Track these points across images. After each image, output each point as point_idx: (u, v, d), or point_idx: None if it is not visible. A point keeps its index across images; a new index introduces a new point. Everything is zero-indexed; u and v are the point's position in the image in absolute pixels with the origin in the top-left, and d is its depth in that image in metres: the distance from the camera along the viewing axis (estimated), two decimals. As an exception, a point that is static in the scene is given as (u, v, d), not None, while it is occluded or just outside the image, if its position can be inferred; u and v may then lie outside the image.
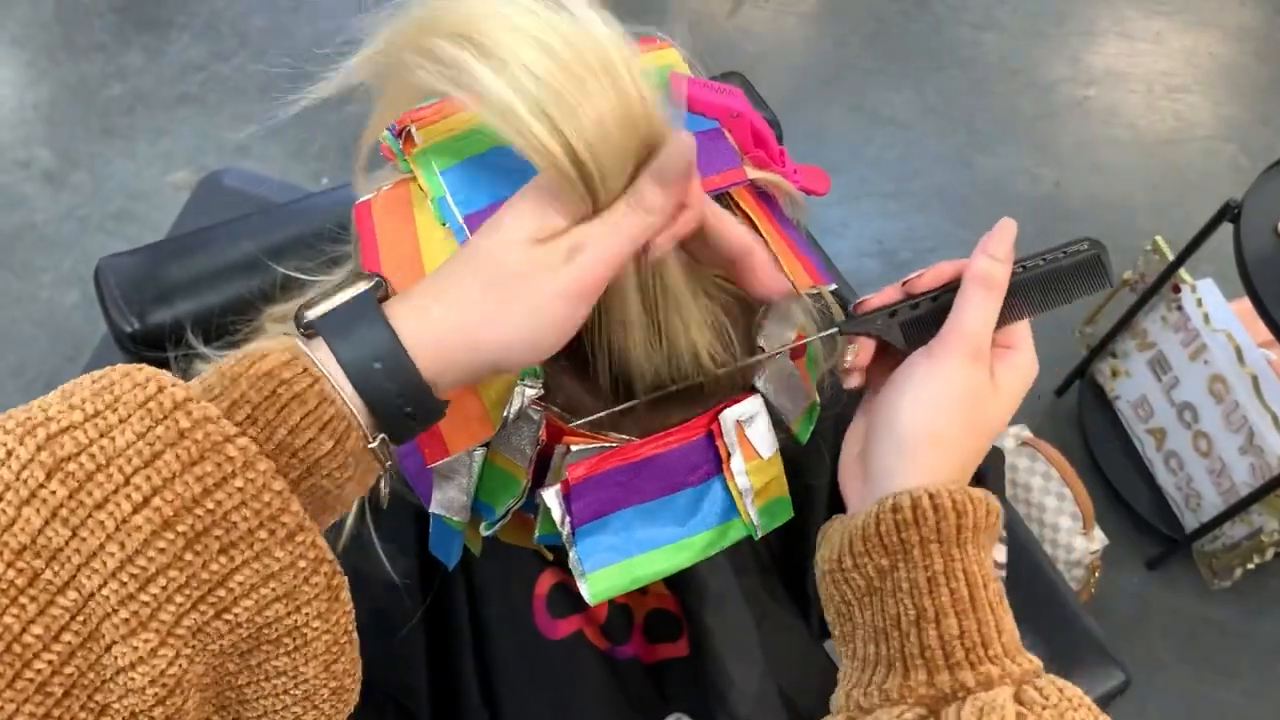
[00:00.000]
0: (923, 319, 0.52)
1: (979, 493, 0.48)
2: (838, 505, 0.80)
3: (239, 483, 0.34)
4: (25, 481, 0.32)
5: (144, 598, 0.33)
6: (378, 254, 0.48)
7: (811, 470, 0.78)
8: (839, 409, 0.74)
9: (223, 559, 0.34)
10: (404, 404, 0.39)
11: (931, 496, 0.46)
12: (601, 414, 0.49)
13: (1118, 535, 1.72)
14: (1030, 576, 0.87)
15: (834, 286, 0.58)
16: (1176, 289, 1.60)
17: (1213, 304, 1.57)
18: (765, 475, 0.56)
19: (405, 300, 0.41)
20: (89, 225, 2.02)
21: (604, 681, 0.71)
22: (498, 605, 0.67)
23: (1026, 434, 1.60)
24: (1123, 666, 0.79)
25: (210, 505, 0.34)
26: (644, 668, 0.73)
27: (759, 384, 0.54)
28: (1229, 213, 1.41)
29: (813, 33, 2.46)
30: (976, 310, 0.50)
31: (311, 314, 0.40)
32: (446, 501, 0.52)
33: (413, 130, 0.49)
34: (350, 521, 0.60)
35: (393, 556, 0.62)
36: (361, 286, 0.41)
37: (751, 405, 0.54)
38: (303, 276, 0.65)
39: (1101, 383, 1.82)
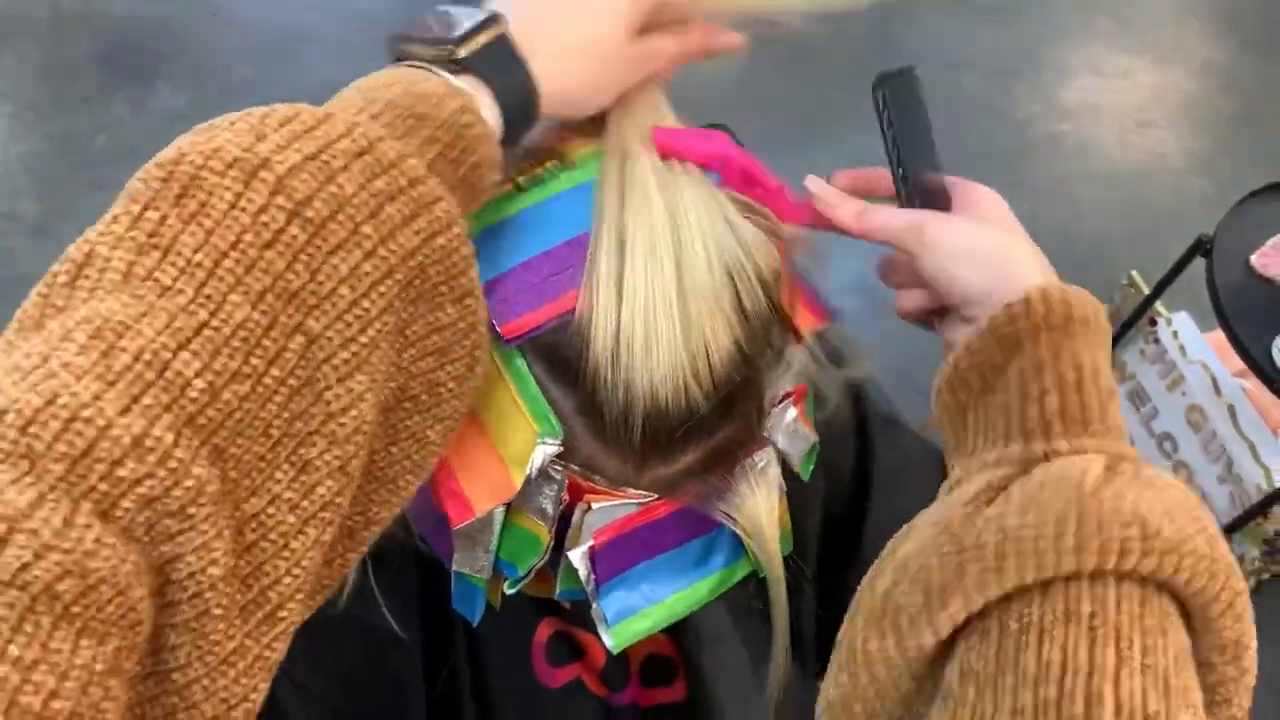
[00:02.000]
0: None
1: (1081, 290, 0.48)
2: (828, 545, 0.82)
3: (442, 240, 0.37)
4: (265, 224, 0.33)
5: (363, 339, 0.35)
6: None
7: (803, 509, 0.79)
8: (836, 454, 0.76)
9: (412, 308, 0.37)
10: (521, 132, 0.45)
11: (1041, 289, 0.46)
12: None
13: (1103, 565, 1.73)
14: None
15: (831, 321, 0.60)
16: (1153, 322, 1.63)
17: (1188, 336, 1.60)
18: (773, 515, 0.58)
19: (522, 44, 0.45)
20: (76, 277, 2.03)
21: (602, 728, 0.72)
22: (498, 654, 0.68)
23: (1010, 467, 1.62)
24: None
25: (420, 259, 0.36)
26: (640, 712, 0.74)
27: (768, 434, 0.56)
28: (1201, 247, 1.44)
29: (790, 74, 2.51)
30: (909, 220, 0.54)
31: (464, 51, 0.42)
32: (469, 560, 0.53)
33: None
34: (353, 574, 0.60)
35: (395, 608, 0.63)
36: (497, 28, 0.44)
37: (764, 456, 0.55)
38: None
39: (1082, 414, 1.84)
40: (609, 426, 0.48)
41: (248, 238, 0.33)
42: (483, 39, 0.43)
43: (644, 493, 0.51)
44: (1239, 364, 1.44)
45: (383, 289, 0.35)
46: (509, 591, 0.55)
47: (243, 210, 0.33)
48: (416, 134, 0.38)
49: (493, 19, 0.44)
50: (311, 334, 0.34)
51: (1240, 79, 2.60)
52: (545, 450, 0.47)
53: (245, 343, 0.32)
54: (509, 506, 0.51)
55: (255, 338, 0.33)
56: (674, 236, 0.48)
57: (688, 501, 0.54)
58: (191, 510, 0.31)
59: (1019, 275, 0.49)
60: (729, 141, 0.52)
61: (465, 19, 0.43)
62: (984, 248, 0.51)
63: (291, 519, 0.35)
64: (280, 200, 0.33)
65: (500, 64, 0.43)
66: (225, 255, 0.33)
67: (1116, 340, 1.69)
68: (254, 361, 0.33)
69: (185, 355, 0.31)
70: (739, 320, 0.49)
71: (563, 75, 0.45)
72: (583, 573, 0.53)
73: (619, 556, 0.53)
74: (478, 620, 0.56)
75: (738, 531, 0.57)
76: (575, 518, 0.52)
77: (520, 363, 0.48)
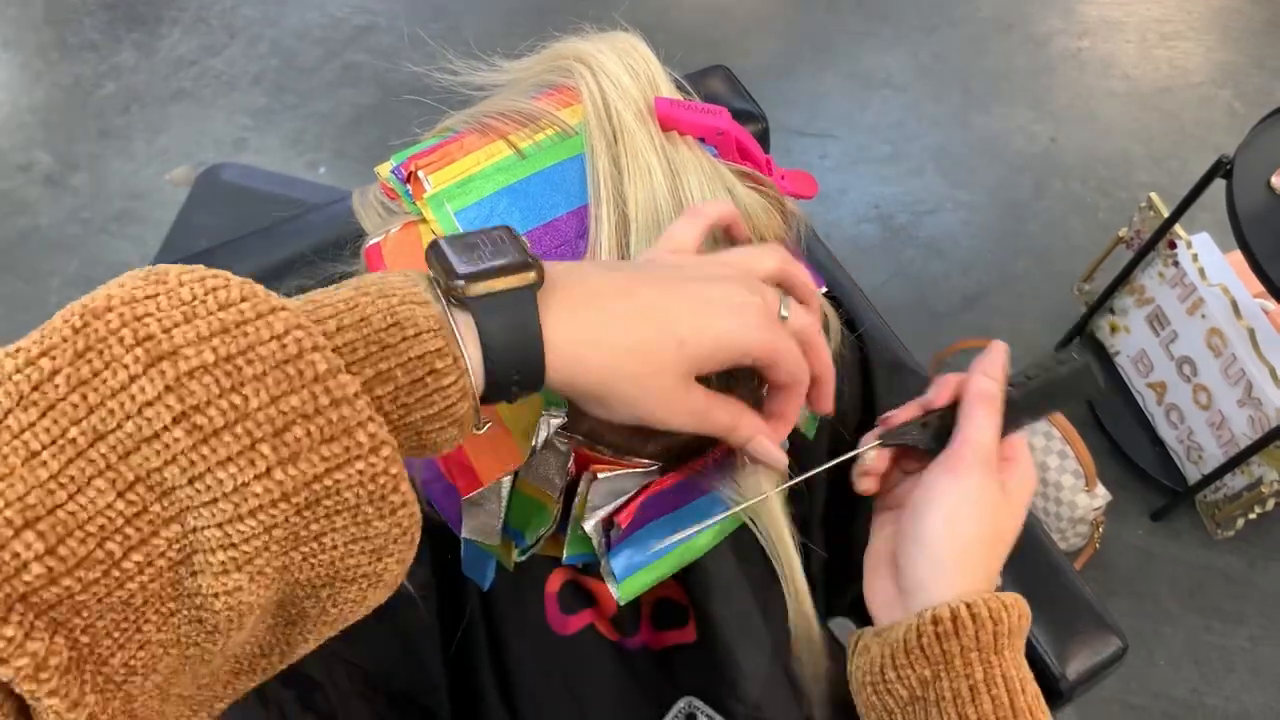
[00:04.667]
0: (946, 428, 0.56)
1: (1011, 598, 0.51)
2: (834, 493, 0.83)
3: (360, 465, 0.34)
4: (149, 420, 0.31)
5: (245, 549, 0.33)
6: None
7: (809, 457, 0.80)
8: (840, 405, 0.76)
9: (324, 523, 0.35)
10: (519, 391, 0.40)
11: (969, 606, 0.49)
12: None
13: (1121, 489, 1.74)
14: (1029, 549, 0.89)
15: (824, 290, 0.60)
16: (1172, 245, 1.60)
17: (1208, 258, 1.58)
18: None
19: (564, 300, 0.40)
20: (92, 227, 2.04)
21: (616, 672, 0.74)
22: (510, 605, 0.69)
23: (1027, 395, 1.62)
24: (1119, 634, 0.81)
25: (328, 483, 0.33)
26: (653, 655, 0.76)
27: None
28: (1221, 168, 1.41)
29: (803, -3, 2.46)
30: (981, 424, 0.54)
31: (474, 288, 0.38)
32: (478, 528, 0.54)
33: (421, 175, 0.50)
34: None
35: (409, 570, 0.64)
36: (525, 278, 0.39)
37: None
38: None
39: (1101, 338, 1.83)
40: None
41: (129, 427, 0.31)
42: (502, 284, 0.38)
43: (648, 462, 0.52)
44: (1259, 284, 1.42)
45: (274, 511, 0.33)
46: (520, 559, 0.56)
47: (131, 397, 0.31)
48: (370, 364, 0.35)
49: (530, 262, 0.39)
50: (188, 527, 0.33)
51: (1269, -14, 2.52)
52: (550, 421, 0.48)
53: (102, 530, 0.31)
54: (516, 476, 0.52)
55: (116, 526, 0.31)
56: (676, 207, 0.48)
57: (692, 472, 0.55)
58: (35, 684, 0.30)
59: (958, 582, 0.51)
60: (729, 116, 0.51)
61: (507, 249, 0.39)
62: (951, 547, 0.52)
63: (169, 656, 0.35)
64: (170, 400, 0.31)
65: (513, 323, 0.38)
66: (102, 438, 0.31)
67: (1135, 263, 1.67)
68: (109, 547, 0.31)
69: (29, 535, 0.30)
70: None
71: (591, 352, 0.40)
72: (596, 540, 0.54)
73: (630, 523, 0.54)
74: (488, 585, 0.57)
75: (732, 500, 0.58)
76: (581, 487, 0.52)
77: None
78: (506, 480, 0.52)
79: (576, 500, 0.53)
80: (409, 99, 0.52)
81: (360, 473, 0.34)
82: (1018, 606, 0.51)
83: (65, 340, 0.31)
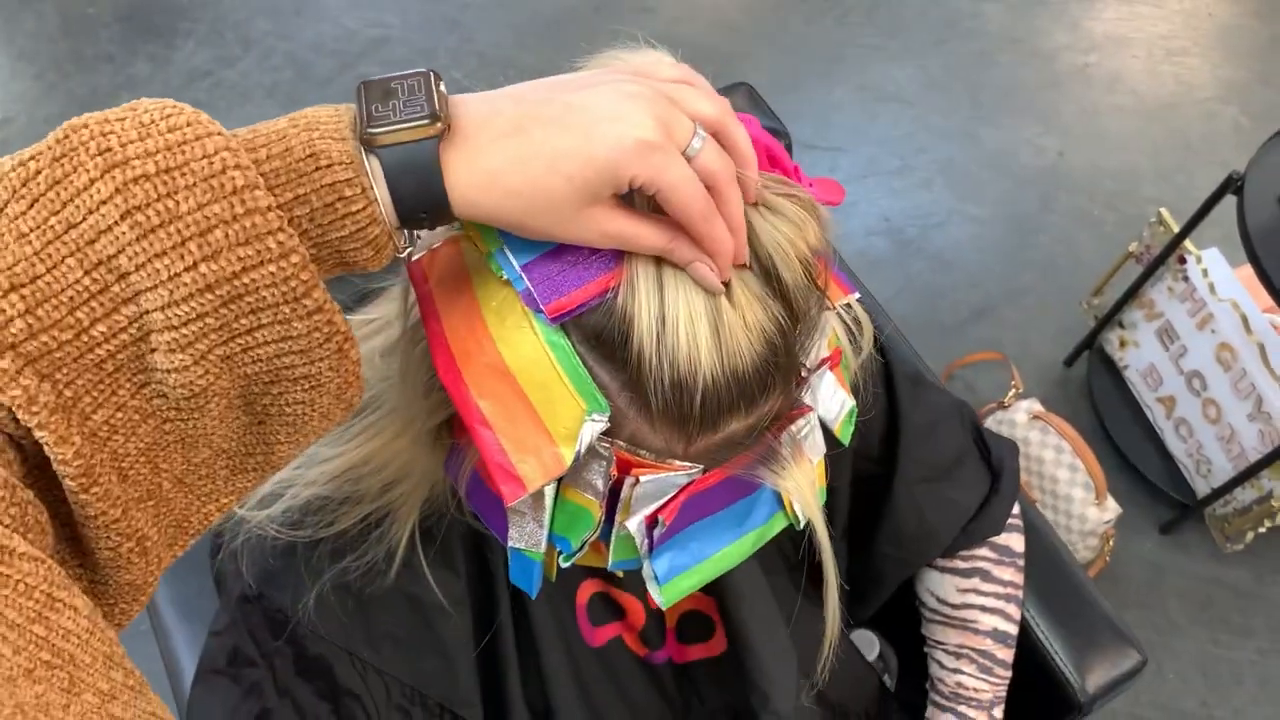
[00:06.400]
0: None
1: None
2: (858, 506, 0.84)
3: (272, 268, 0.40)
4: (103, 215, 0.38)
5: (185, 331, 0.40)
6: (437, 312, 0.51)
7: (833, 472, 0.81)
8: (866, 415, 0.77)
9: (251, 318, 0.41)
10: (432, 223, 0.45)
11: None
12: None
13: (1130, 502, 1.75)
14: (1045, 562, 0.90)
15: (858, 296, 0.61)
16: (1182, 260, 1.62)
17: (1218, 273, 1.59)
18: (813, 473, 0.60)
19: (463, 146, 0.44)
20: (107, 237, 2.05)
21: (644, 685, 0.75)
22: (542, 615, 0.70)
23: (1037, 408, 1.63)
24: (1139, 647, 0.82)
25: (246, 281, 0.40)
26: (678, 669, 0.76)
27: (808, 399, 0.57)
28: (1232, 184, 1.42)
29: (813, 11, 2.47)
30: None
31: (382, 138, 0.43)
32: (524, 536, 0.54)
33: None
34: (401, 549, 0.63)
35: (444, 581, 0.65)
36: (427, 130, 0.43)
37: (806, 422, 0.57)
38: None
39: (1110, 353, 1.84)
40: (654, 403, 0.48)
41: (90, 220, 0.38)
42: (407, 135, 0.43)
43: (690, 464, 0.53)
44: (1269, 299, 1.43)
45: (203, 299, 0.39)
46: (564, 565, 0.57)
47: (90, 196, 0.38)
48: (290, 188, 0.41)
49: (434, 116, 0.43)
50: (142, 307, 0.39)
51: (1275, 2, 2.53)
52: (593, 426, 0.49)
53: (72, 300, 0.38)
54: (560, 482, 0.53)
55: (83, 299, 0.38)
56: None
57: (733, 471, 0.56)
58: (27, 415, 0.38)
59: None
60: (759, 126, 0.52)
61: (419, 101, 0.44)
62: None
63: (147, 425, 0.42)
64: (118, 200, 0.38)
65: (415, 169, 0.43)
66: (73, 227, 0.38)
67: (1145, 278, 1.68)
68: (78, 315, 0.38)
69: (14, 297, 0.38)
70: (779, 293, 0.50)
71: (486, 196, 0.45)
72: (639, 541, 0.55)
73: (673, 523, 0.55)
74: (535, 593, 0.58)
75: (784, 495, 0.59)
76: (624, 492, 0.53)
77: (565, 342, 0.49)
78: (550, 488, 0.53)
79: (620, 504, 0.54)
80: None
81: (272, 274, 0.40)
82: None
83: (49, 148, 0.39)
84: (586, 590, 0.73)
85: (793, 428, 0.57)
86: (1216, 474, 1.66)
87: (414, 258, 0.52)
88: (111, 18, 2.38)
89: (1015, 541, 0.87)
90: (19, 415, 0.38)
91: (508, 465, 0.49)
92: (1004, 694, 0.85)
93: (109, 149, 0.38)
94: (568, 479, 0.52)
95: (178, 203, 0.38)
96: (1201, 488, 1.70)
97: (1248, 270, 1.44)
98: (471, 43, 2.35)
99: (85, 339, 0.39)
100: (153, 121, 0.39)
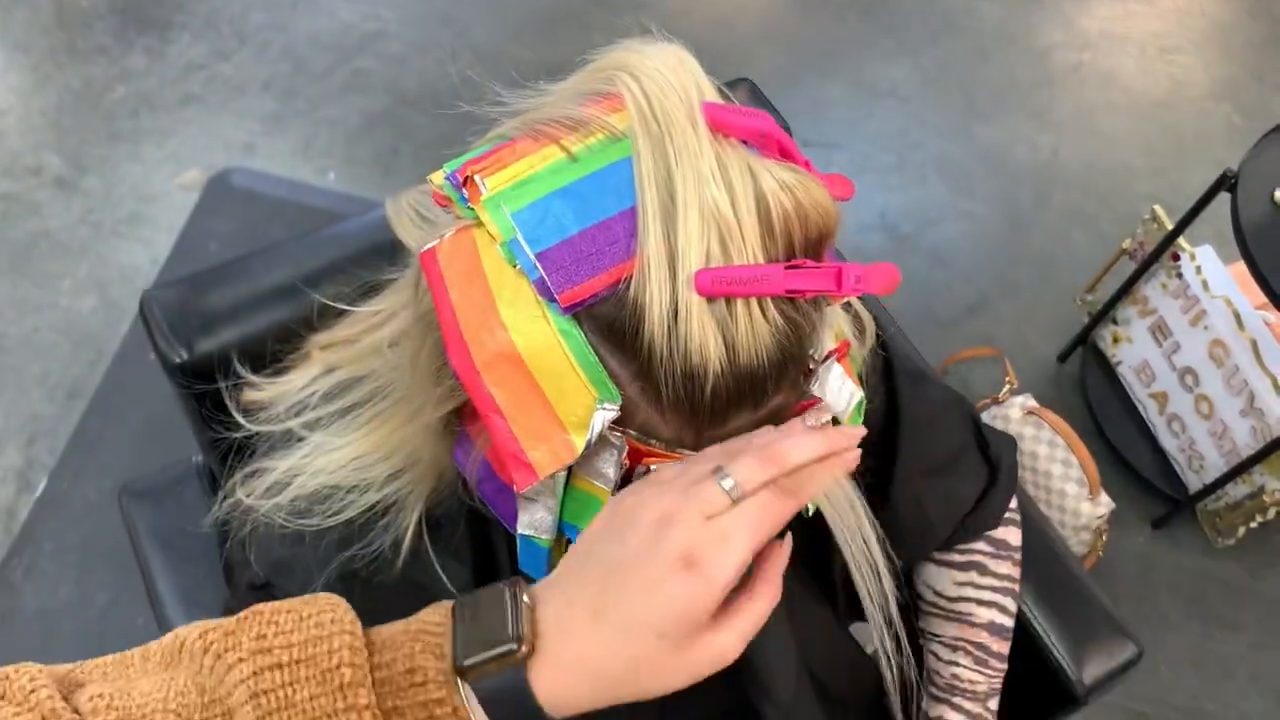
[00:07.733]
0: None
1: None
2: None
3: None
4: (237, 691, 0.46)
5: None
6: (450, 302, 0.51)
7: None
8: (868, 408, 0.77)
9: None
10: None
11: None
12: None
13: (1122, 497, 1.76)
14: (1043, 556, 0.90)
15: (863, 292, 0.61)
16: (1175, 257, 1.63)
17: (1211, 270, 1.61)
18: None
19: (549, 660, 0.48)
20: (102, 230, 2.05)
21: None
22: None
23: (1031, 403, 1.64)
24: (1135, 640, 0.83)
25: None
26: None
27: (816, 390, 0.57)
28: (1226, 182, 1.43)
29: (810, 8, 2.48)
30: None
31: (472, 671, 0.47)
32: (534, 523, 0.55)
33: (477, 179, 0.51)
34: (409, 538, 0.63)
35: (451, 570, 0.65)
36: (512, 659, 0.47)
37: (815, 414, 0.57)
38: (341, 306, 0.68)
39: (1103, 349, 1.86)
40: (664, 393, 0.49)
41: (238, 693, 0.46)
42: (495, 666, 0.47)
43: (700, 454, 0.53)
44: (1262, 296, 1.45)
45: None
46: None
47: (237, 672, 0.47)
48: (391, 696, 0.47)
49: (519, 639, 0.47)
50: None
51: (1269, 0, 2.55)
52: (604, 415, 0.49)
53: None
54: (571, 470, 0.53)
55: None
56: (727, 205, 0.49)
57: None
58: None
59: None
60: (772, 120, 0.53)
61: (503, 619, 0.48)
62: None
63: None
64: (252, 683, 0.46)
65: (507, 698, 0.47)
66: (210, 696, 0.47)
67: (1139, 274, 1.69)
68: None
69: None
70: None
71: (588, 694, 0.48)
72: None
73: None
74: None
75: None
76: (634, 480, 0.54)
77: (577, 331, 0.49)
78: (560, 475, 0.53)
79: None
80: (418, 105, 0.53)
81: None
82: None
83: (234, 623, 0.48)
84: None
85: (801, 419, 0.57)
86: (1209, 469, 1.67)
87: (425, 248, 0.52)
88: (106, 9, 2.37)
89: (1013, 535, 0.88)
90: None
91: (519, 453, 0.49)
92: (999, 686, 0.86)
93: (260, 636, 0.47)
94: (578, 467, 0.53)
95: (295, 689, 0.45)
96: (1194, 483, 1.72)
97: (1241, 267, 1.45)
98: (466, 37, 2.35)
99: None
100: (310, 615, 0.48)
